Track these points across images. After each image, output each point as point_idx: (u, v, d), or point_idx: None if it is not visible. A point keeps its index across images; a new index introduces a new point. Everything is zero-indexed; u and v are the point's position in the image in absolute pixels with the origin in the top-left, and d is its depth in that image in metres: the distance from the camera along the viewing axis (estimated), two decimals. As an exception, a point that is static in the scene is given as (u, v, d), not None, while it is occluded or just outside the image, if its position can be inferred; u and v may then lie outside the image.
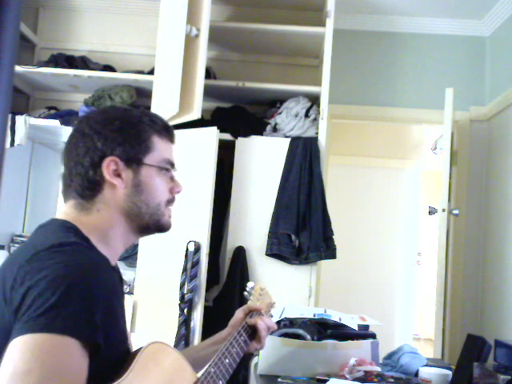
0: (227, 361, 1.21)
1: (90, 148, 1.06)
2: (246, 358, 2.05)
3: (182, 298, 2.71)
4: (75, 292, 0.87)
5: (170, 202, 1.15)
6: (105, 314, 0.91)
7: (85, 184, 1.06)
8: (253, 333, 1.37)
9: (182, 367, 1.06)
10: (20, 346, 0.83)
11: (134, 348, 1.04)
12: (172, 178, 1.16)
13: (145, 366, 0.95)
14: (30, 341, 0.83)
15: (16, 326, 0.86)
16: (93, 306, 0.89)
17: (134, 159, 1.08)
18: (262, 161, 2.97)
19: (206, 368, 1.15)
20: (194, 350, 1.39)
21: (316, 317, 1.91)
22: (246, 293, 1.51)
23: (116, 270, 1.11)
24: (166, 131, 1.15)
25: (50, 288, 0.86)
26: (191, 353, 1.32)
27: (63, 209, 1.10)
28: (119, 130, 1.08)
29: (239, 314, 1.42)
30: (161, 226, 1.15)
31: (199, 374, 1.12)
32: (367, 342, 1.79)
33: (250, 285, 1.53)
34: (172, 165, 1.15)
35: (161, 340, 1.02)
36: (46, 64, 3.20)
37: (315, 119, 2.99)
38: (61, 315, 0.85)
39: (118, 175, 1.07)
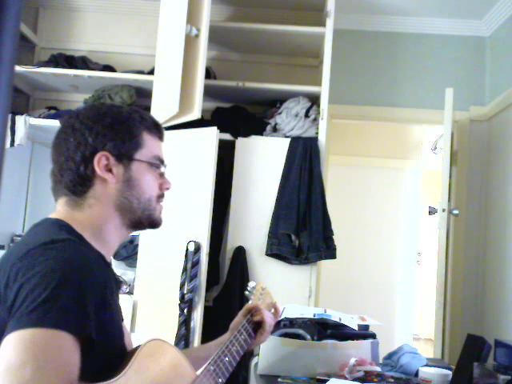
0: (227, 359, 1.21)
1: (81, 143, 1.07)
2: (247, 358, 2.05)
3: (182, 298, 2.71)
4: (66, 286, 0.88)
5: (160, 197, 1.17)
6: (98, 308, 0.92)
7: (76, 179, 1.07)
8: (255, 329, 1.38)
9: (181, 364, 1.06)
10: (13, 341, 0.84)
11: (133, 346, 1.04)
12: (161, 175, 1.17)
13: (144, 362, 0.96)
14: (23, 336, 0.84)
15: (10, 323, 0.87)
16: (84, 300, 0.90)
17: (124, 155, 1.10)
18: (262, 161, 2.97)
19: (205, 366, 1.15)
20: (195, 352, 1.39)
21: (316, 317, 1.91)
22: (247, 292, 1.52)
23: (110, 266, 1.11)
24: (156, 128, 1.17)
25: (41, 283, 0.87)
26: (192, 354, 1.32)
27: (56, 207, 1.11)
28: (110, 125, 1.09)
29: (239, 317, 1.43)
30: (153, 222, 1.16)
31: (199, 372, 1.13)
32: (367, 342, 1.79)
33: (251, 284, 1.53)
34: (161, 162, 1.17)
35: (160, 337, 1.02)
36: (46, 64, 3.20)
37: (315, 119, 2.99)
38: (52, 309, 0.86)
39: (109, 170, 1.08)
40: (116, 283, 1.07)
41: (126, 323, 1.09)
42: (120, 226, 1.11)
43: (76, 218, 1.06)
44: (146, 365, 0.96)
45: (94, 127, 1.08)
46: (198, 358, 1.29)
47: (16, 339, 0.84)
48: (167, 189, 1.18)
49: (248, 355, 2.03)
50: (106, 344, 0.95)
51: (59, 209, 1.09)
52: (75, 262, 0.93)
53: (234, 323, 1.41)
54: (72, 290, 0.89)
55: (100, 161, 1.07)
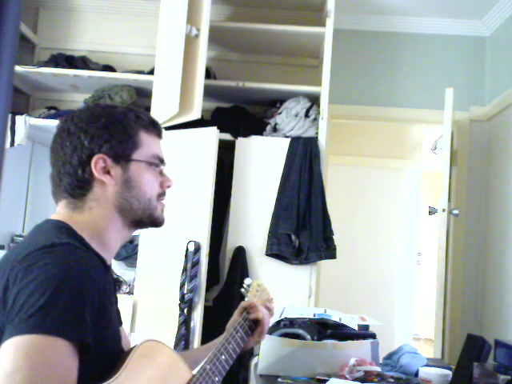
0: (223, 357, 1.21)
1: (77, 146, 1.07)
2: (247, 358, 2.05)
3: (181, 298, 2.71)
4: (64, 292, 0.88)
5: (161, 195, 1.15)
6: (95, 313, 0.91)
7: (74, 183, 1.07)
8: (252, 326, 1.37)
9: (177, 364, 1.06)
10: (9, 347, 0.84)
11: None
12: (161, 173, 1.16)
13: (139, 363, 0.96)
14: (19, 342, 0.83)
15: (7, 329, 0.86)
16: (82, 306, 0.89)
17: (122, 156, 1.08)
18: (262, 161, 2.97)
19: (201, 365, 1.15)
20: (193, 353, 1.39)
21: (316, 317, 1.91)
22: (243, 289, 1.52)
23: (109, 269, 1.11)
24: (153, 127, 1.15)
25: (39, 289, 0.87)
26: (189, 355, 1.31)
27: (57, 209, 1.10)
28: (105, 127, 1.08)
29: (235, 316, 1.42)
30: (154, 221, 1.14)
31: (195, 371, 1.12)
32: (367, 342, 1.79)
33: (247, 281, 1.53)
34: (161, 160, 1.15)
35: (155, 338, 1.02)
36: (46, 64, 3.20)
37: (315, 119, 2.99)
38: (49, 316, 0.85)
39: (107, 172, 1.07)
40: (114, 286, 1.06)
41: (126, 323, 1.10)
42: (121, 227, 1.10)
43: (76, 220, 1.06)
44: (140, 365, 0.96)
45: (88, 129, 1.07)
46: (196, 359, 1.28)
47: (13, 345, 0.83)
48: (168, 186, 1.16)
49: (248, 355, 2.03)
50: (103, 349, 0.95)
51: (60, 210, 1.09)
52: (74, 267, 0.92)
53: (231, 322, 1.41)
54: (69, 296, 0.88)
55: (97, 163, 1.06)
